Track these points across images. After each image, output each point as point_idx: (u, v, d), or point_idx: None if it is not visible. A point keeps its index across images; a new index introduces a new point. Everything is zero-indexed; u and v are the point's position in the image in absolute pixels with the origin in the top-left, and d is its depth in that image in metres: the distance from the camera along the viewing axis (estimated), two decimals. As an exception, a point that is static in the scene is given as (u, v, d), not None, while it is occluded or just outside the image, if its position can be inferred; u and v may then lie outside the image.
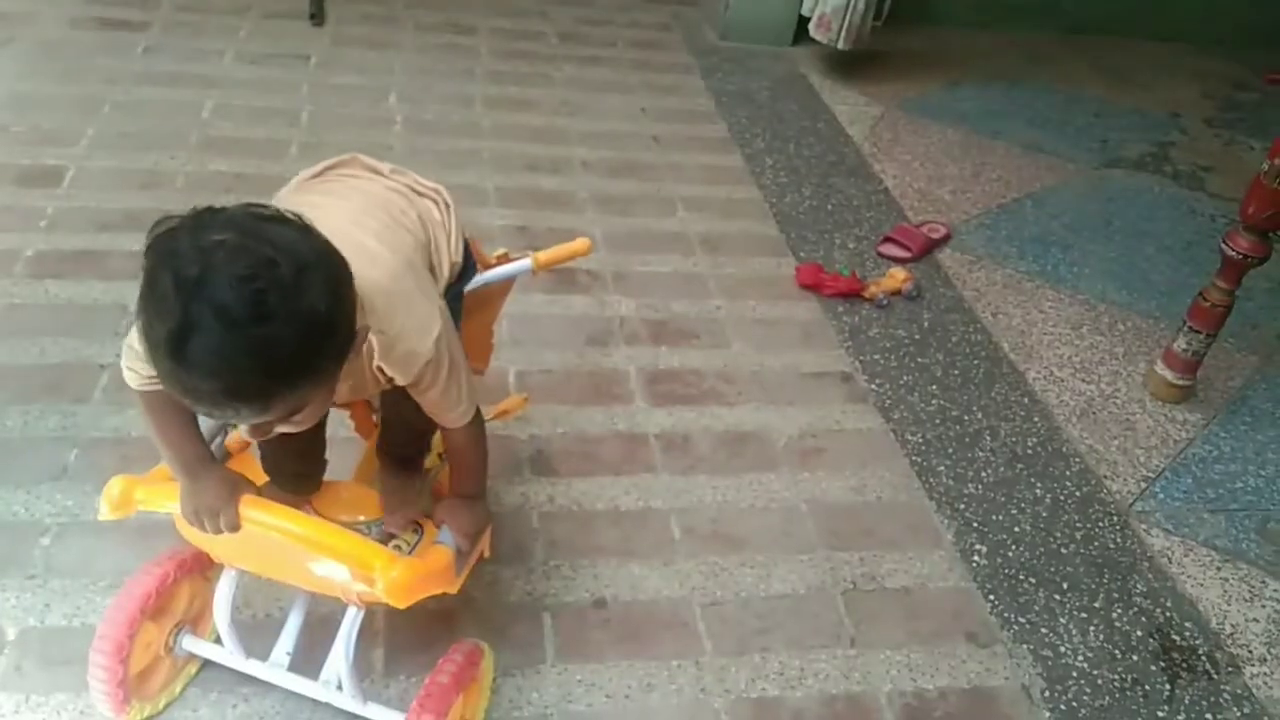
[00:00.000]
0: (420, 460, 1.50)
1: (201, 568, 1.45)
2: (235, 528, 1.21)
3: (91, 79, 3.07)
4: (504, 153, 3.05)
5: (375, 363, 1.18)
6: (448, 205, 1.40)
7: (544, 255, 1.45)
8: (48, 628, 1.55)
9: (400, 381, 1.22)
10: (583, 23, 4.08)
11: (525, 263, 1.45)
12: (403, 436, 1.46)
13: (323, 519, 1.43)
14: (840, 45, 3.74)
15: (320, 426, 1.46)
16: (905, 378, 2.39)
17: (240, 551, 1.31)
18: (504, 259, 1.52)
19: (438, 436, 1.50)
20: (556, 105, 3.40)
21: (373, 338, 1.14)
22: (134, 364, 1.18)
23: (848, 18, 3.67)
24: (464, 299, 1.47)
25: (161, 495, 1.26)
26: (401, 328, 1.17)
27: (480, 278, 1.48)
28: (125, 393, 1.22)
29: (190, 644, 1.45)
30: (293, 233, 1.02)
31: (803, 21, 3.90)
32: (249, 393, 0.98)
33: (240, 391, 0.98)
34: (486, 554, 1.53)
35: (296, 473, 1.42)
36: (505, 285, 1.59)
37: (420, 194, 1.38)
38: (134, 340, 1.16)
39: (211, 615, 1.45)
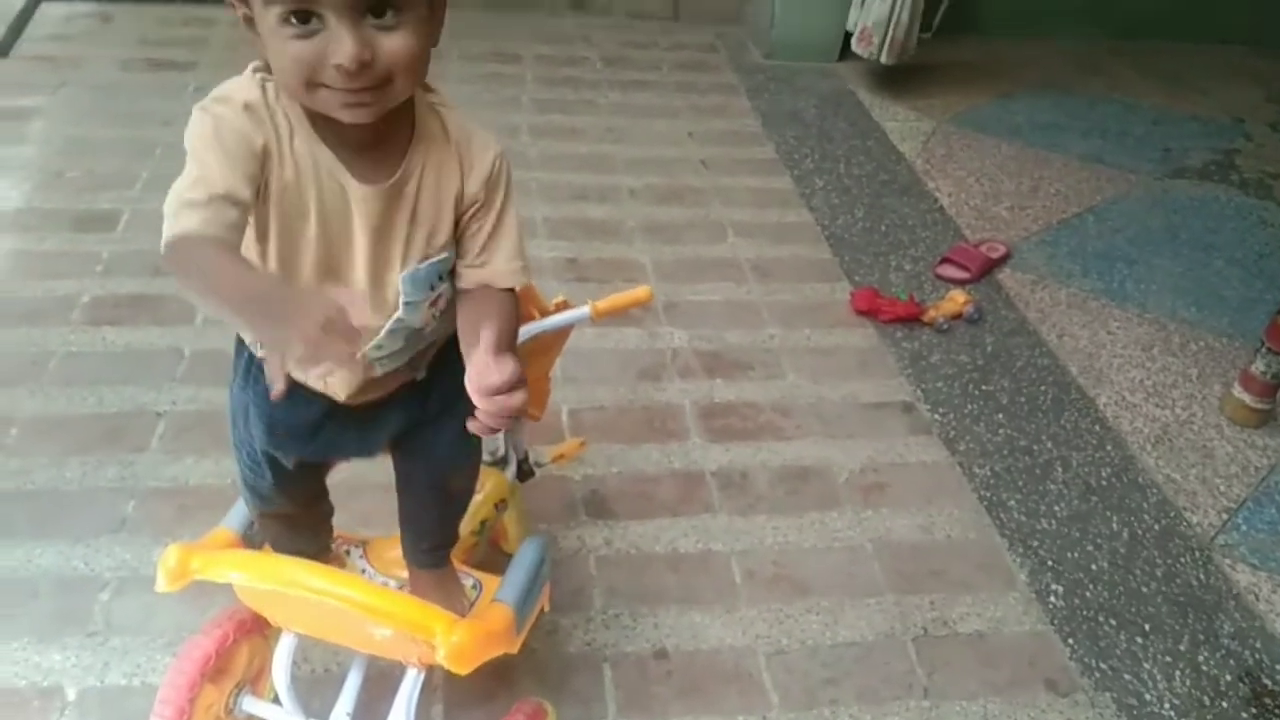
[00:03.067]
0: (449, 552, 1.40)
1: (260, 628, 1.43)
2: (355, 337, 0.84)
3: (144, 121, 3.10)
4: (551, 183, 3.03)
5: (453, 142, 1.11)
6: None
7: (603, 304, 1.41)
8: (107, 687, 1.54)
9: (479, 172, 1.12)
10: (627, 46, 4.05)
11: (584, 311, 1.41)
12: (430, 523, 1.36)
13: (377, 577, 1.41)
14: (883, 59, 3.67)
15: (325, 505, 1.43)
16: (970, 406, 2.32)
17: (298, 616, 1.28)
18: (562, 306, 1.49)
19: (473, 507, 1.47)
20: (602, 132, 3.37)
21: (444, 113, 1.11)
22: (192, 202, 0.94)
23: (891, 30, 3.60)
24: (521, 346, 1.44)
25: (219, 564, 1.23)
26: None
27: (539, 325, 1.44)
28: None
29: (250, 705, 1.43)
30: None
31: (849, 37, 3.83)
32: None
33: None
34: (546, 608, 1.49)
35: (311, 553, 1.37)
36: (563, 333, 1.56)
37: None
38: (187, 181, 0.96)
39: (270, 674, 1.42)
